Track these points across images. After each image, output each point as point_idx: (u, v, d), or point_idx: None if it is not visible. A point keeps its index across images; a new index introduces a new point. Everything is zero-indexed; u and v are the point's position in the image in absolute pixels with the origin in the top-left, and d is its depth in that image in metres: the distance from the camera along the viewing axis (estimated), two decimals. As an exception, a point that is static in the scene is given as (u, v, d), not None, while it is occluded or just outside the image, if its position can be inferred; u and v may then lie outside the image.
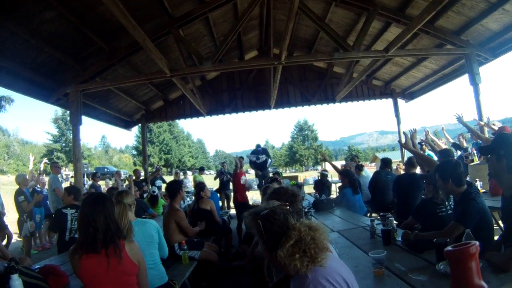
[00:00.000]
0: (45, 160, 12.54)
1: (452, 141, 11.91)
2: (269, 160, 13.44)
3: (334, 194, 13.72)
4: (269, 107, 15.57)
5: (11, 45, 7.52)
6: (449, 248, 2.09)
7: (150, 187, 12.09)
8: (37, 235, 11.15)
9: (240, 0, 10.13)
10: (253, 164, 13.26)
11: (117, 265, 2.96)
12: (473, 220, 3.68)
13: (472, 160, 9.35)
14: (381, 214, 5.46)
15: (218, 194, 11.17)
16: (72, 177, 11.90)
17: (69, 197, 6.36)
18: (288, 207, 2.38)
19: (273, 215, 2.25)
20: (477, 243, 2.01)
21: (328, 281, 2.00)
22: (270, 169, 14.42)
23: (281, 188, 3.53)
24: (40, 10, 7.02)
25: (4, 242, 5.67)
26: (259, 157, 13.09)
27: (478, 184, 7.27)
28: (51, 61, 8.84)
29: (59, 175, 11.30)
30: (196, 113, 15.77)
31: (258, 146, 13.72)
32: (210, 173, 53.01)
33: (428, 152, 11.05)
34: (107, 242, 2.97)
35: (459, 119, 8.30)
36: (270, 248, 2.21)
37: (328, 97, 15.70)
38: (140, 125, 16.72)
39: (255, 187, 13.19)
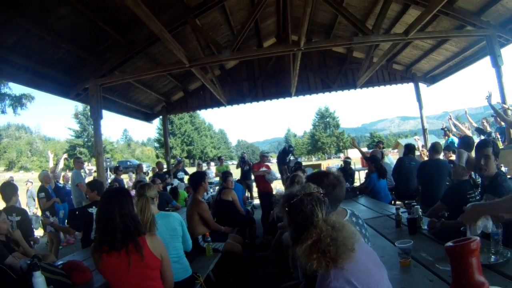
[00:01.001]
0: (64, 156, 12.54)
1: (475, 125, 11.76)
2: (293, 158, 13.70)
3: (357, 182, 13.61)
4: (289, 95, 15.47)
5: (27, 43, 7.54)
6: (449, 243, 2.03)
7: (172, 179, 12.13)
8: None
9: (256, -13, 9.95)
10: (283, 163, 13.44)
11: (139, 261, 2.94)
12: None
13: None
14: (406, 202, 5.38)
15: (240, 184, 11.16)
16: (95, 171, 11.98)
17: (93, 192, 6.29)
18: (322, 195, 2.24)
19: (300, 206, 2.13)
20: (478, 239, 1.96)
21: (350, 283, 1.90)
22: (298, 159, 14.58)
23: (324, 172, 3.32)
24: (54, 6, 7.01)
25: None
26: (287, 158, 13.33)
27: (504, 169, 7.12)
28: (68, 57, 8.85)
29: (82, 170, 11.37)
30: (216, 103, 15.71)
31: (290, 146, 13.97)
32: (233, 163, 53.23)
33: (452, 137, 10.91)
34: (127, 240, 2.94)
35: (489, 98, 8.16)
36: (294, 238, 2.13)
37: (349, 83, 15.51)
38: (161, 117, 16.79)
39: (278, 176, 13.22)
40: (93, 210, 6.10)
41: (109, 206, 3.00)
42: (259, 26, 12.83)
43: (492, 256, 2.92)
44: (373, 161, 8.66)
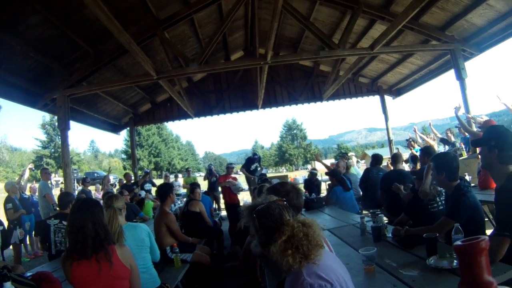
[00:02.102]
0: (30, 166, 12.35)
1: (440, 136, 12.01)
2: (259, 168, 13.75)
3: (324, 193, 13.77)
4: (256, 107, 15.56)
5: (-4, 51, 7.48)
6: (458, 242, 2.09)
7: (139, 190, 12.09)
8: (28, 242, 11.10)
9: (225, 1, 10.08)
10: (247, 171, 13.50)
11: (109, 270, 2.96)
12: (464, 215, 3.70)
13: (461, 155, 9.46)
14: (371, 211, 5.49)
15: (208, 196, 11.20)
16: (62, 183, 11.80)
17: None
18: (285, 202, 2.37)
19: (268, 210, 2.24)
20: (487, 237, 2.00)
21: (322, 278, 2.00)
22: (263, 171, 14.60)
23: (286, 182, 3.51)
24: (25, 15, 6.99)
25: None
26: (253, 166, 13.38)
27: (467, 178, 7.33)
28: (37, 67, 8.79)
29: (49, 181, 11.25)
30: (184, 115, 15.68)
31: (254, 154, 14.03)
32: (200, 175, 52.94)
33: (417, 148, 11.15)
34: (97, 248, 2.97)
35: (457, 109, 8.43)
36: (264, 243, 2.21)
37: (315, 96, 15.69)
38: (128, 128, 16.66)
39: (245, 187, 13.28)
40: (51, 221, 6.08)
41: (81, 214, 3.03)
42: (227, 39, 12.93)
43: (455, 261, 3.04)
44: (334, 175, 8.78)
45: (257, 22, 10.85)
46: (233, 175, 11.92)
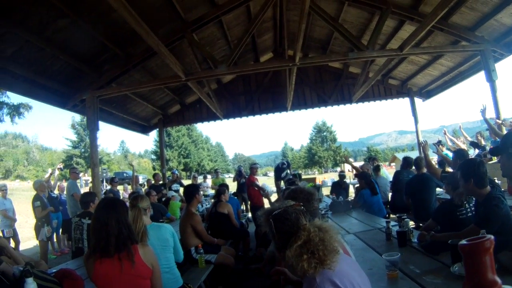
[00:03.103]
0: (59, 165, 12.51)
1: (470, 139, 11.85)
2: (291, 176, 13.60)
3: (352, 196, 13.67)
4: (285, 109, 15.54)
5: (27, 53, 7.62)
6: (463, 242, 2.07)
7: (167, 191, 12.17)
8: (55, 240, 11.27)
9: (253, 3, 10.08)
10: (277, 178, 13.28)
11: (130, 269, 2.98)
12: (495, 226, 3.55)
13: (491, 159, 9.26)
14: (397, 215, 5.43)
15: (236, 198, 11.18)
16: (91, 182, 11.98)
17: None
18: (302, 207, 2.36)
19: (285, 215, 2.24)
20: (492, 237, 1.99)
21: (335, 285, 1.98)
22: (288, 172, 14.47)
23: (297, 187, 3.55)
24: (53, 18, 7.09)
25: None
26: (283, 174, 13.19)
27: (498, 182, 7.19)
28: (66, 68, 8.94)
29: (77, 181, 11.41)
30: (213, 117, 15.78)
31: (283, 163, 13.85)
32: (229, 176, 53.02)
33: (446, 151, 10.99)
34: (120, 246, 2.99)
35: (483, 112, 8.27)
36: (280, 247, 2.22)
37: (344, 98, 15.60)
38: (157, 129, 16.80)
39: (272, 189, 13.17)
40: (74, 219, 6.22)
41: (106, 212, 3.06)
42: (256, 41, 12.94)
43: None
44: (363, 178, 8.71)
45: (286, 23, 10.79)
46: (257, 176, 11.89)
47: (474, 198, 4.69)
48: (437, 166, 9.63)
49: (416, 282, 3.09)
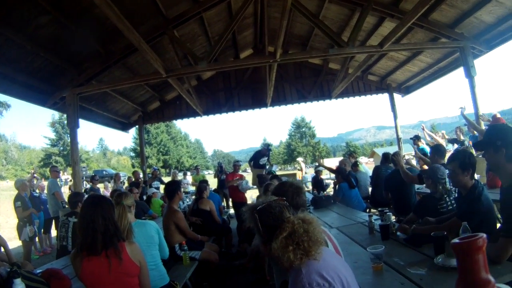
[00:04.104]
0: (32, 171, 12.49)
1: (447, 137, 12.05)
2: (268, 165, 13.49)
3: (331, 191, 13.77)
4: (265, 105, 15.57)
5: (7, 50, 7.55)
6: (456, 240, 2.08)
7: (148, 188, 12.14)
8: (37, 239, 11.17)
9: (234, -1, 10.09)
10: (255, 165, 13.27)
11: (118, 266, 2.99)
12: (477, 219, 3.61)
13: (471, 153, 9.38)
14: (379, 209, 5.49)
15: (217, 194, 11.16)
16: (70, 180, 11.84)
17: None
18: (285, 201, 2.41)
19: (269, 209, 2.29)
20: (485, 235, 1.99)
21: (322, 277, 2.01)
22: (274, 168, 14.37)
23: (286, 181, 3.61)
24: (35, 15, 7.03)
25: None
26: (262, 160, 13.14)
27: (476, 176, 7.30)
28: (47, 66, 8.86)
29: (58, 179, 11.32)
30: (192, 113, 15.76)
31: (266, 145, 13.78)
32: (208, 173, 52.93)
33: (423, 146, 11.13)
34: (107, 243, 3.00)
35: (462, 110, 8.44)
36: (265, 241, 2.25)
37: (324, 94, 15.68)
38: (137, 126, 16.74)
39: (254, 186, 13.10)
40: (61, 217, 6.21)
41: (92, 209, 3.07)
42: (236, 37, 12.93)
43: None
44: (339, 173, 8.94)
45: (266, 20, 10.84)
46: (240, 173, 11.91)
47: (454, 191, 4.78)
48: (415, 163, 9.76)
49: (401, 273, 3.14)
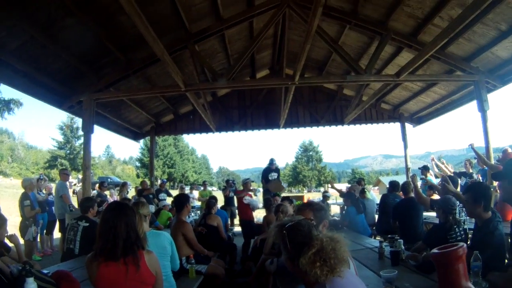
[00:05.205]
0: (41, 176, 12.58)
1: (452, 170, 12.05)
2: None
3: (334, 217, 13.77)
4: (278, 126, 15.62)
5: (30, 49, 7.64)
6: (435, 250, 2.12)
7: (158, 201, 12.18)
8: (38, 240, 11.17)
9: (257, 19, 10.22)
10: (267, 181, 13.17)
11: (135, 274, 3.00)
12: (489, 252, 3.63)
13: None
14: (389, 236, 5.52)
15: (225, 211, 11.14)
16: (75, 184, 11.85)
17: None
18: (312, 221, 2.54)
19: (299, 226, 2.38)
20: (464, 245, 2.03)
21: None
22: (284, 185, 14.23)
23: (310, 200, 3.80)
24: (61, 16, 7.13)
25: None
26: (271, 175, 13.09)
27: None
28: (67, 68, 8.97)
29: (67, 182, 11.36)
30: (205, 129, 15.81)
31: (272, 161, 13.65)
32: (212, 189, 52.77)
33: (430, 177, 11.15)
34: (127, 250, 3.02)
35: (471, 147, 8.51)
36: (293, 257, 2.32)
37: (337, 119, 15.76)
38: (149, 137, 16.79)
39: (260, 206, 13.03)
40: (71, 220, 6.24)
41: (115, 214, 3.10)
42: (255, 56, 13.03)
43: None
44: (348, 197, 9.06)
45: (286, 42, 10.92)
46: (250, 193, 11.88)
47: (464, 222, 4.81)
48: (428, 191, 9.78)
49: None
